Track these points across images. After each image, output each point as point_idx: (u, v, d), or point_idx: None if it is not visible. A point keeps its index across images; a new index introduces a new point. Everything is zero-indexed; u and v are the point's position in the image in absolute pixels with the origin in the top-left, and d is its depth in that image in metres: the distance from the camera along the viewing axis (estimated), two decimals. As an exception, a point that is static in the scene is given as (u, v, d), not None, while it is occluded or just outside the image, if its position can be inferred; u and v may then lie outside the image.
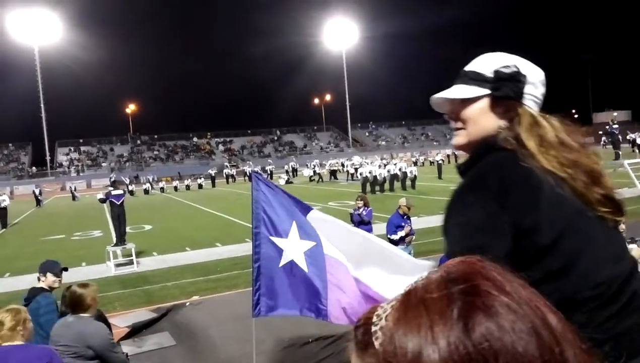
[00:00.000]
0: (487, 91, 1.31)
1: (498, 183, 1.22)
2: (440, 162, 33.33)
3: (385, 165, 28.34)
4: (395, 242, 8.19)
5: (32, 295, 4.63)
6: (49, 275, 4.79)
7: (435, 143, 79.48)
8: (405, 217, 8.68)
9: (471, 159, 1.37)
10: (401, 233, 8.29)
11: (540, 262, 1.20)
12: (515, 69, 1.30)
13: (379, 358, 0.51)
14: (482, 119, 1.33)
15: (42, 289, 4.73)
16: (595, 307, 1.17)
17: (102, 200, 13.49)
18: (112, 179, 16.40)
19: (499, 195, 1.20)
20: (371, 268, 4.31)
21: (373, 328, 0.54)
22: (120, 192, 12.81)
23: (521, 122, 1.28)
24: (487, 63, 1.35)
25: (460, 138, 1.40)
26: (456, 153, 54.29)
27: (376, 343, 0.52)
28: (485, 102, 1.33)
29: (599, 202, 1.24)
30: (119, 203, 12.44)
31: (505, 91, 1.29)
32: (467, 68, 1.38)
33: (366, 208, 9.44)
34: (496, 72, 1.31)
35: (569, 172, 1.22)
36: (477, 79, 1.33)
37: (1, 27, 61.51)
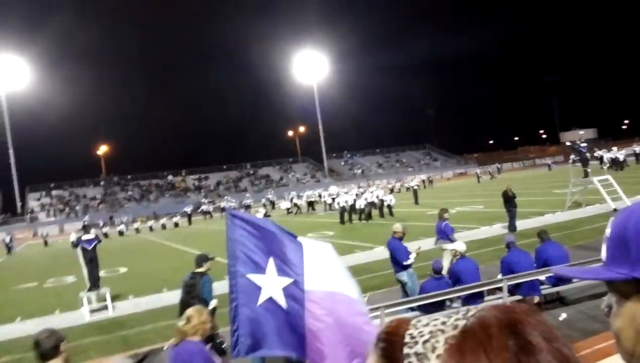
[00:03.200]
0: None
1: None
2: (416, 187, 33.65)
3: (362, 194, 28.44)
4: (408, 267, 8.33)
5: (196, 276, 7.11)
6: (204, 264, 7.23)
7: (410, 169, 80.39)
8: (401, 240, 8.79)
9: None
10: (413, 257, 8.40)
11: None
12: None
13: None
14: None
15: (202, 273, 7.11)
16: None
17: (74, 245, 13.08)
18: (85, 223, 16.02)
19: None
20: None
21: (405, 350, 0.54)
22: (91, 236, 12.49)
23: None
24: None
25: None
26: (431, 178, 54.98)
27: None
28: None
29: None
30: (90, 248, 12.12)
31: None
32: None
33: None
34: None
35: None
36: None
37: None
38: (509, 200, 15.72)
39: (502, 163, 71.57)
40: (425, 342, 0.53)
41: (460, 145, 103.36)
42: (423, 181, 50.01)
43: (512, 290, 7.55)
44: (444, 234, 10.75)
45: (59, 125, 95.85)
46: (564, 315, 7.44)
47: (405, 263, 8.42)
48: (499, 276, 7.79)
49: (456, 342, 0.52)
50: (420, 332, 0.55)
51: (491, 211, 21.91)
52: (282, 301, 4.63)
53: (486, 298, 7.41)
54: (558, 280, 7.87)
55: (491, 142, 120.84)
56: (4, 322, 11.81)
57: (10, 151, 62.29)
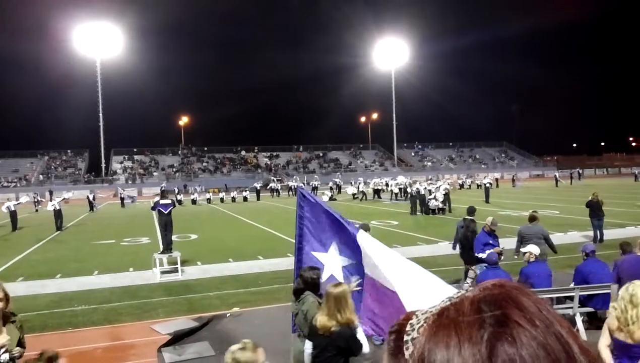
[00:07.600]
0: None
1: None
2: (488, 185, 32.50)
3: (431, 186, 27.90)
4: (482, 261, 8.17)
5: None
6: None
7: (483, 166, 77.80)
8: (491, 235, 8.58)
9: None
10: (489, 251, 8.22)
11: None
12: None
13: None
14: None
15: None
16: None
17: (153, 208, 13.67)
18: (162, 189, 16.85)
19: None
20: (408, 285, 4.30)
21: (405, 337, 0.56)
22: (168, 201, 13.14)
23: None
24: None
25: None
26: (508, 176, 52.91)
27: (406, 353, 0.55)
28: None
29: None
30: (166, 212, 12.76)
31: None
32: None
33: None
34: None
35: None
36: None
37: (66, 40, 65.12)
38: (595, 209, 14.67)
39: (584, 168, 67.52)
40: (420, 327, 0.55)
41: (540, 146, 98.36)
42: (496, 179, 48.31)
43: (584, 302, 7.18)
44: None
45: (146, 94, 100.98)
46: None
47: (477, 254, 8.24)
48: (572, 285, 7.43)
49: (431, 321, 0.54)
50: (418, 320, 0.57)
51: (567, 217, 20.85)
52: (341, 278, 4.77)
53: (555, 306, 7.09)
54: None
55: (574, 145, 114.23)
56: (83, 273, 12.74)
57: (100, 115, 66.46)
